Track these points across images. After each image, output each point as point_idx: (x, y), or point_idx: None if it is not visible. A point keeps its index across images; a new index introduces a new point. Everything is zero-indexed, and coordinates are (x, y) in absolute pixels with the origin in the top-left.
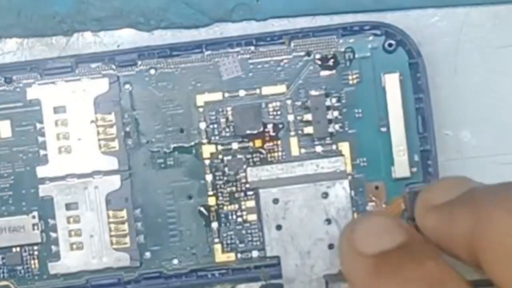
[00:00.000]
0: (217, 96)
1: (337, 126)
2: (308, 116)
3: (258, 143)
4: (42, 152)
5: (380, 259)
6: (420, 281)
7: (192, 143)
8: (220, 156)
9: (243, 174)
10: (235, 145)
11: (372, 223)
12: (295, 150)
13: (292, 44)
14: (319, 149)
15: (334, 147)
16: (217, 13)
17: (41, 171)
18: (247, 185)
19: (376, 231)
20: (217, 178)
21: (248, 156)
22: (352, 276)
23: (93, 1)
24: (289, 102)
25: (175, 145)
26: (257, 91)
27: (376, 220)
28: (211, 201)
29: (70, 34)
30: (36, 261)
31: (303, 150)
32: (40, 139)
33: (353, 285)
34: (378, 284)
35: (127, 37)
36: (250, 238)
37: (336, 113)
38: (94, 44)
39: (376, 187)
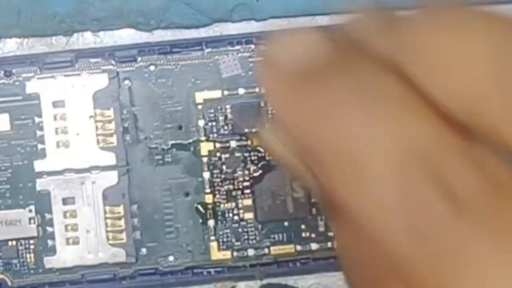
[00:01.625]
0: (216, 94)
1: None
2: None
3: (256, 141)
4: (40, 146)
5: (304, 75)
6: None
7: (190, 140)
8: (218, 154)
9: (241, 172)
10: (233, 143)
11: (296, 38)
12: None
13: None
14: None
15: None
16: (217, 13)
17: (39, 165)
18: (245, 183)
19: (300, 45)
20: (215, 175)
21: (246, 154)
22: (273, 98)
23: (93, 1)
24: None
25: (173, 142)
26: (257, 89)
27: (300, 35)
28: (208, 198)
29: (70, 34)
30: (32, 255)
31: None
32: (39, 133)
33: (274, 107)
34: (300, 99)
35: (127, 37)
36: (246, 236)
37: None
38: (94, 44)
39: None
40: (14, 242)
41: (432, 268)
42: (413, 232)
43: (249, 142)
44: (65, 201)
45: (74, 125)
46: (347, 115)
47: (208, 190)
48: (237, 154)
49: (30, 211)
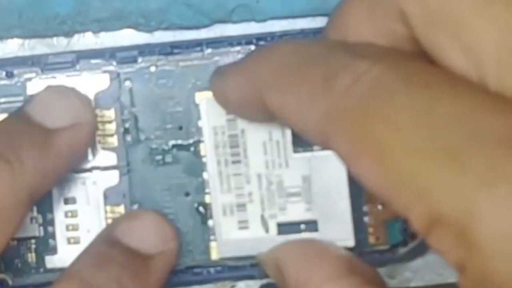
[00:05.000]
0: None
1: None
2: None
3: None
4: None
5: None
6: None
7: (191, 141)
8: None
9: None
10: None
11: None
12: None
13: None
14: (316, 148)
15: None
16: (217, 14)
17: None
18: None
19: None
20: None
21: None
22: None
23: (93, 2)
24: None
25: (174, 142)
26: None
27: None
28: (208, 198)
29: (71, 35)
30: (33, 254)
31: (300, 150)
32: None
33: None
34: None
35: (127, 38)
36: None
37: None
38: (95, 45)
39: None
40: (15, 242)
41: None
42: None
43: None
44: (66, 201)
45: None
46: None
47: (208, 190)
48: None
49: (32, 210)
